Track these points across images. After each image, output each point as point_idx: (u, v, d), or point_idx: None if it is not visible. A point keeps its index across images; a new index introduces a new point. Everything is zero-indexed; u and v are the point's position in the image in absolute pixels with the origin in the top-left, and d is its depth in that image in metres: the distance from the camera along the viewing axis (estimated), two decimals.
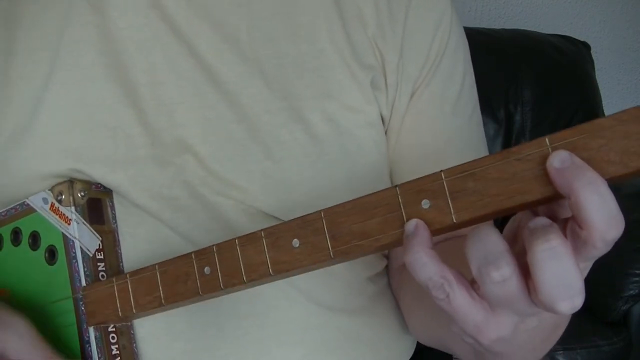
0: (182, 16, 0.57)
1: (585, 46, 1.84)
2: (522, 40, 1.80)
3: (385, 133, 0.61)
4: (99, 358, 0.53)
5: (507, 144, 1.74)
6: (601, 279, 1.36)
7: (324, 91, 0.57)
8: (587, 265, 0.36)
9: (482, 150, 0.65)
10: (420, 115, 0.61)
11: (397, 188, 0.38)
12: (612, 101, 2.10)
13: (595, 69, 1.83)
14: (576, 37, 1.85)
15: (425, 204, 0.37)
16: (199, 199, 0.56)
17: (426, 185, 0.37)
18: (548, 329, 0.42)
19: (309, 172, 0.57)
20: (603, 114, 1.77)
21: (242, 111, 0.56)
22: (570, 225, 0.33)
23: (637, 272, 1.35)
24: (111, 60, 0.56)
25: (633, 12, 2.15)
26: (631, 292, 1.36)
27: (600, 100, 1.80)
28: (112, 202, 0.57)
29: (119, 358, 0.54)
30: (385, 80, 0.60)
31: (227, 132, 0.56)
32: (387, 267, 0.66)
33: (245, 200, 0.56)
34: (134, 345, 0.55)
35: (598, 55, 1.89)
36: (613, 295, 1.38)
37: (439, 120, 0.61)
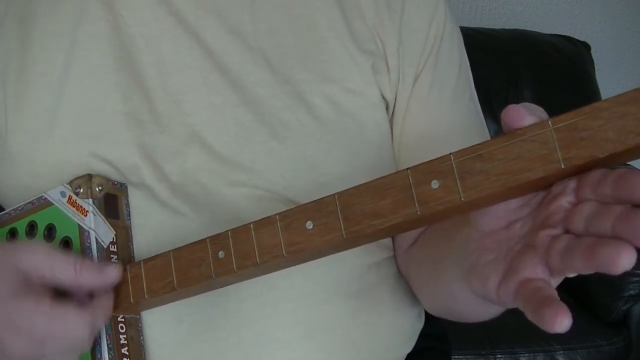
0: (189, 11, 0.60)
1: (585, 46, 1.84)
2: (522, 40, 1.80)
3: (392, 117, 0.64)
4: (107, 345, 0.53)
5: None
6: (601, 279, 1.36)
7: (325, 76, 0.60)
8: None
9: (481, 130, 0.67)
10: (423, 99, 0.64)
11: (409, 170, 0.40)
12: None
13: (595, 69, 1.83)
14: (576, 37, 1.86)
15: (435, 183, 0.38)
16: (204, 186, 0.58)
17: (436, 167, 0.38)
18: None
19: (312, 150, 0.59)
20: None
21: (247, 96, 0.59)
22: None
23: (637, 272, 1.34)
24: (122, 54, 0.60)
25: (633, 12, 2.15)
26: (631, 292, 1.36)
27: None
28: (127, 199, 0.58)
29: (127, 348, 0.55)
30: (387, 64, 0.62)
31: (234, 115, 0.59)
32: (387, 258, 0.67)
33: (251, 180, 0.58)
34: (141, 337, 0.56)
35: (598, 55, 1.89)
36: (613, 295, 1.38)
37: (440, 104, 0.64)
